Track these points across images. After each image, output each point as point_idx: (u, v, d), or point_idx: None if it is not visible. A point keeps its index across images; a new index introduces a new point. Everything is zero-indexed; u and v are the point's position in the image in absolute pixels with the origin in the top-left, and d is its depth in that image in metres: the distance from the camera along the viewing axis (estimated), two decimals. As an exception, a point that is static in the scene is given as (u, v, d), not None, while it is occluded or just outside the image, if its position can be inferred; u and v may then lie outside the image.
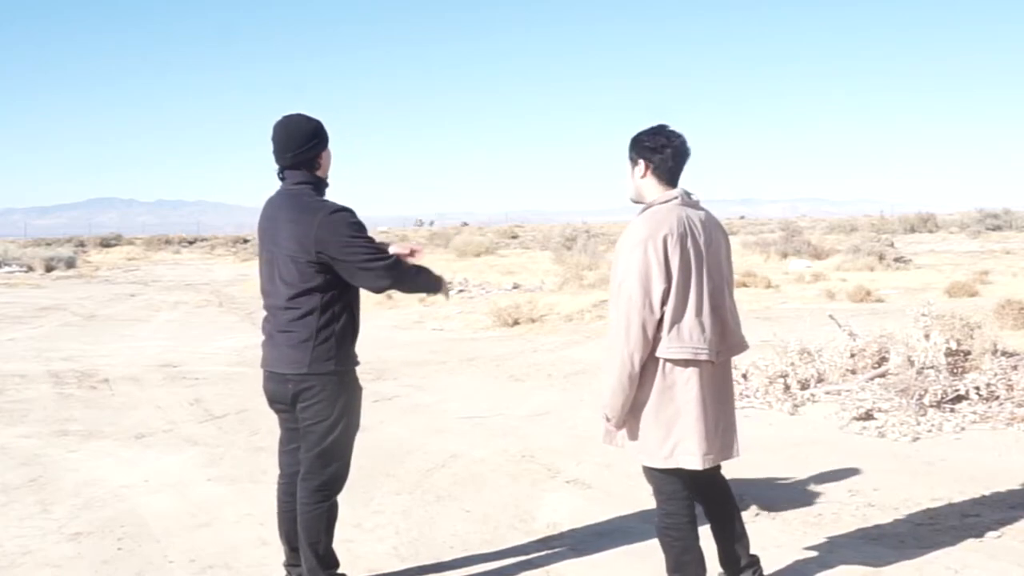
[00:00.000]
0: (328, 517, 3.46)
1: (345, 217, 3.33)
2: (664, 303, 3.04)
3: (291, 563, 3.59)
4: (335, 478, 3.46)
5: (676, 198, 3.17)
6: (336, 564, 3.54)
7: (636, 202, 3.28)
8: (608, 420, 3.18)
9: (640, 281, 3.02)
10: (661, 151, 3.19)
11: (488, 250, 31.76)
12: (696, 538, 3.26)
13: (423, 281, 3.53)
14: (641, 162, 3.23)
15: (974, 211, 44.59)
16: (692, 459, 3.11)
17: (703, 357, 3.08)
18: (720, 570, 3.42)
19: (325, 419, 3.37)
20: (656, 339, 3.06)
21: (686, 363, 3.08)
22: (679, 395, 3.09)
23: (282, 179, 3.45)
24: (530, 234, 54.39)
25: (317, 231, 3.27)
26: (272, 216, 3.44)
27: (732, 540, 3.37)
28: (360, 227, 3.36)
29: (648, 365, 3.08)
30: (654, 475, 3.23)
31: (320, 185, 3.48)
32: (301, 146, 3.40)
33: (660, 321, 3.05)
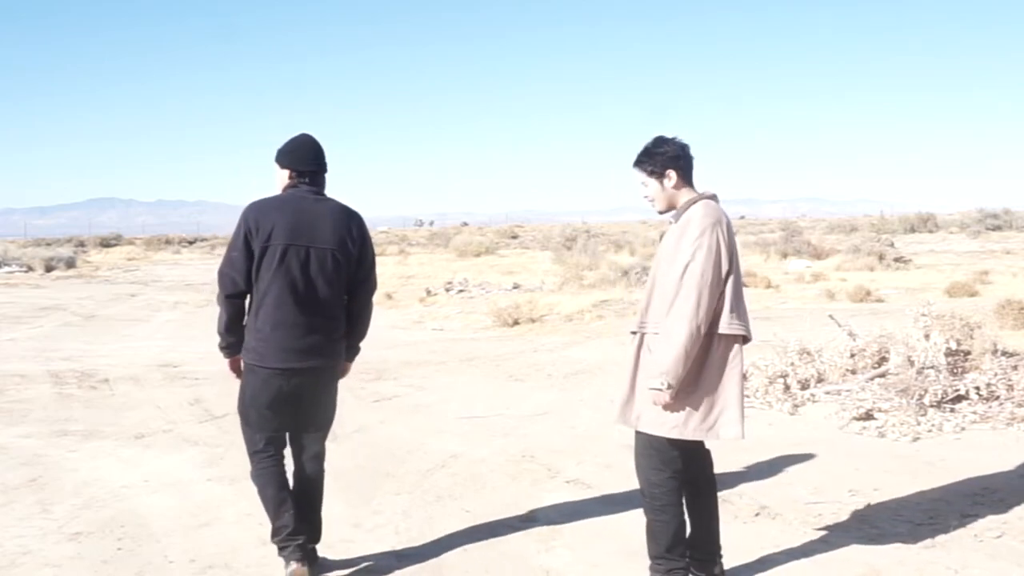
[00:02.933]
0: None
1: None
2: (726, 282, 3.31)
3: (297, 532, 3.67)
4: None
5: (715, 195, 3.45)
6: None
7: (667, 211, 3.49)
8: (668, 388, 3.28)
9: (713, 260, 3.27)
10: (684, 156, 3.46)
11: (488, 250, 31.78)
12: (681, 510, 3.45)
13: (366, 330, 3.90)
14: (672, 172, 3.45)
15: (974, 211, 44.55)
16: (734, 428, 3.33)
17: (750, 335, 3.38)
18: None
19: (333, 399, 3.86)
20: (716, 316, 3.30)
21: (735, 339, 3.34)
22: (728, 369, 3.32)
23: (303, 182, 3.70)
24: (530, 234, 54.38)
25: (363, 231, 3.73)
26: (298, 211, 3.62)
27: (715, 522, 3.54)
28: None
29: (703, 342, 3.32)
30: (668, 449, 3.37)
31: None
32: (324, 161, 3.78)
33: (720, 299, 3.30)
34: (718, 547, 3.55)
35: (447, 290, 17.25)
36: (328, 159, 3.79)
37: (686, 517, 3.47)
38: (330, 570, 3.87)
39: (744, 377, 6.90)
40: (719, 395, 3.33)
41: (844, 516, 4.40)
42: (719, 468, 4.90)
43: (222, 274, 3.65)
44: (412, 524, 4.46)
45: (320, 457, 3.87)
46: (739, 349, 3.36)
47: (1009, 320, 9.42)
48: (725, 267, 3.29)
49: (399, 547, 4.15)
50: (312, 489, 3.83)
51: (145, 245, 53.92)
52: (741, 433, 3.34)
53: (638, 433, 3.43)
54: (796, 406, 6.67)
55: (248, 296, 3.65)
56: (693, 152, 3.50)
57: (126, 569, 3.94)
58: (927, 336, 6.73)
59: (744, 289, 3.48)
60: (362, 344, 3.90)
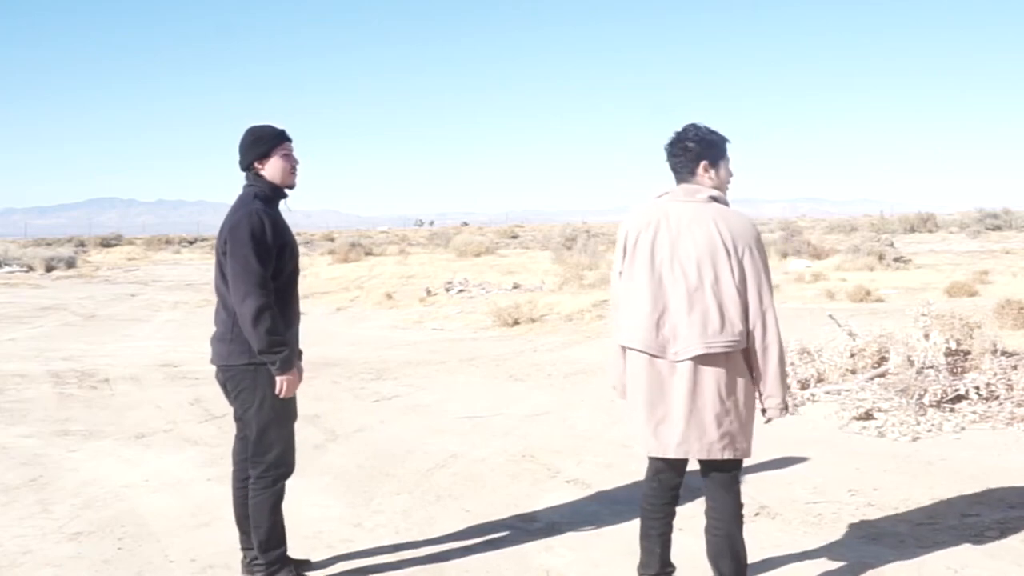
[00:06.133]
0: (272, 503, 3.65)
1: (247, 221, 3.47)
2: (623, 287, 3.30)
3: (245, 547, 3.81)
4: (276, 463, 3.64)
5: (665, 194, 3.31)
6: (280, 544, 3.70)
7: None
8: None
9: (614, 268, 3.38)
10: (666, 148, 3.37)
11: (488, 250, 31.76)
12: (654, 528, 3.37)
13: (270, 342, 3.44)
14: None
15: (974, 211, 44.58)
16: (638, 442, 3.29)
17: (635, 347, 3.21)
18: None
19: (248, 407, 3.59)
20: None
21: (636, 352, 3.23)
22: (632, 382, 3.27)
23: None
24: (530, 234, 54.39)
25: (231, 224, 3.50)
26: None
27: (714, 544, 3.32)
28: (256, 236, 3.45)
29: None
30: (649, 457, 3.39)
31: (271, 190, 3.64)
32: (241, 154, 3.66)
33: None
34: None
35: (447, 290, 17.24)
36: (242, 149, 3.65)
37: (654, 533, 3.39)
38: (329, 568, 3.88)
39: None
40: (636, 409, 3.25)
41: (844, 516, 4.40)
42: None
43: None
44: (412, 524, 4.46)
45: (252, 468, 3.68)
46: (642, 362, 3.18)
47: (1009, 320, 9.41)
48: (619, 270, 3.30)
49: (399, 547, 4.15)
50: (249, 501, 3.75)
51: (145, 245, 53.95)
52: (647, 451, 3.25)
53: None
54: (796, 406, 6.67)
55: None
56: (679, 151, 3.30)
57: (126, 569, 3.94)
58: (927, 336, 6.73)
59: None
60: (262, 348, 3.44)
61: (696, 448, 3.19)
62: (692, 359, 3.13)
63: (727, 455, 3.20)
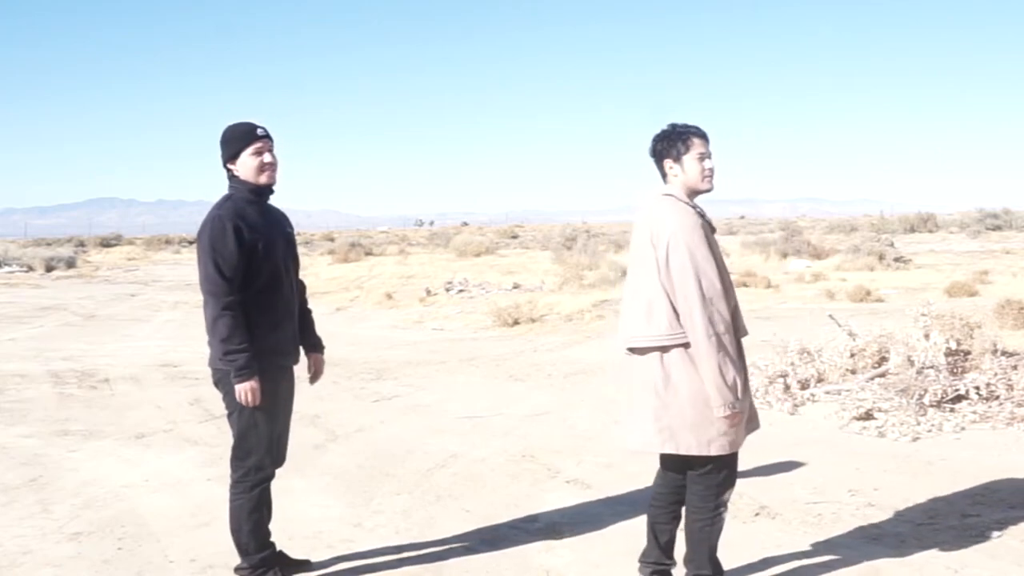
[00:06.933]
0: (249, 507, 3.62)
1: (209, 228, 3.45)
2: None
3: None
4: (256, 468, 3.61)
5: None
6: (263, 547, 3.69)
7: None
8: None
9: None
10: None
11: (488, 250, 31.76)
12: (651, 516, 3.46)
13: (223, 351, 3.40)
14: None
15: (974, 211, 44.59)
16: (619, 437, 3.53)
17: (626, 344, 3.32)
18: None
19: (232, 411, 3.57)
20: None
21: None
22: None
23: None
24: (530, 234, 54.41)
25: (202, 223, 3.51)
26: None
27: (685, 531, 3.45)
28: (216, 244, 3.40)
29: None
30: None
31: (250, 190, 3.53)
32: (221, 154, 3.58)
33: None
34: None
35: (447, 290, 17.24)
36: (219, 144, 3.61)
37: (651, 526, 3.48)
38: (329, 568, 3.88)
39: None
40: None
41: (844, 516, 4.41)
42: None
43: None
44: (412, 524, 4.46)
45: (231, 471, 3.69)
46: (630, 358, 3.29)
47: (1009, 320, 9.41)
48: None
49: (399, 547, 4.15)
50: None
51: (145, 245, 53.96)
52: (625, 443, 3.36)
53: None
54: (796, 406, 6.67)
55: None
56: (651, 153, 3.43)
57: (126, 569, 3.94)
58: (927, 336, 6.73)
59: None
60: (219, 356, 3.44)
61: (639, 440, 3.26)
62: (633, 355, 3.25)
63: (668, 449, 3.21)
